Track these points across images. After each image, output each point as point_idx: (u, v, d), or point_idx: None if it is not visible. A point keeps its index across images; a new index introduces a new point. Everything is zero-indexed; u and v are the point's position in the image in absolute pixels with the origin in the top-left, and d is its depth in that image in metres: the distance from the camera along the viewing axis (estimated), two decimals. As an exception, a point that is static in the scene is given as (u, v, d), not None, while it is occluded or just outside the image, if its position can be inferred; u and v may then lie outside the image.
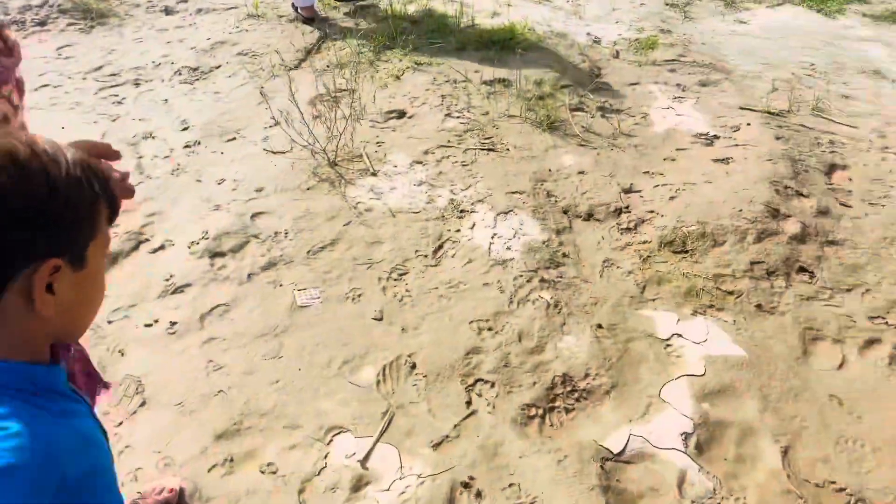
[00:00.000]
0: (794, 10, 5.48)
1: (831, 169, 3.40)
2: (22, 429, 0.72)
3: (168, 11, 5.16)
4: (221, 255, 2.74)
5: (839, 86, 4.22)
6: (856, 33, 5.06)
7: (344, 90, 3.86)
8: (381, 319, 2.49)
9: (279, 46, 4.40)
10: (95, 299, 0.88)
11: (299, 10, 4.74)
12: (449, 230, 2.89)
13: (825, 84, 4.20)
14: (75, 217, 0.79)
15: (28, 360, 0.80)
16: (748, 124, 3.69)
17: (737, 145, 3.51)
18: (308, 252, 2.77)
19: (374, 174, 3.21)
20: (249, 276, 2.66)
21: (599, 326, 2.47)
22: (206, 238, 2.79)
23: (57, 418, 0.79)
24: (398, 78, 4.02)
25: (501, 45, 4.36)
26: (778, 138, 3.54)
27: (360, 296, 2.58)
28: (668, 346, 2.41)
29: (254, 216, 2.95)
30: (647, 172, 3.32)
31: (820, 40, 4.89)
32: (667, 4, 5.44)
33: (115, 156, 1.06)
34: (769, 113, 3.82)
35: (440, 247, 2.81)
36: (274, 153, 3.37)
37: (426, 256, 2.76)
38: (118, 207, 0.89)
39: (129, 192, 1.08)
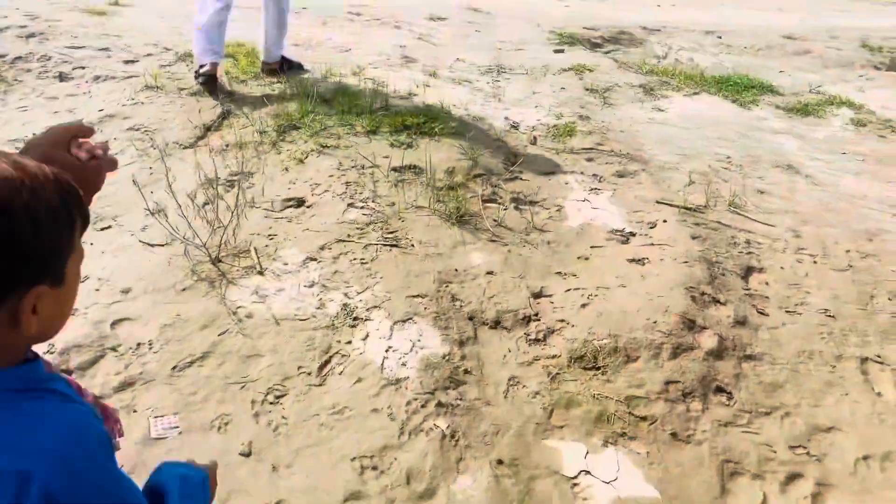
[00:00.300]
0: (711, 99, 5.53)
1: (748, 272, 3.27)
2: (46, 417, 0.83)
3: (62, 77, 4.80)
4: (68, 372, 2.35)
5: (755, 180, 4.18)
6: (769, 125, 5.11)
7: (241, 173, 3.57)
8: (248, 455, 2.14)
9: (176, 122, 4.10)
10: (71, 305, 0.93)
11: (199, 71, 4.42)
12: (339, 341, 2.59)
13: (741, 178, 4.16)
14: (56, 244, 0.83)
15: (9, 364, 0.84)
16: (664, 221, 3.56)
17: (653, 244, 3.36)
18: (173, 368, 2.41)
19: (261, 273, 2.89)
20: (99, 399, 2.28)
21: (500, 462, 2.19)
22: (52, 352, 2.41)
23: (63, 402, 0.87)
24: (301, 161, 3.75)
25: (415, 129, 4.17)
26: (694, 237, 3.41)
27: (227, 424, 2.23)
28: (576, 485, 2.15)
29: (115, 323, 2.58)
30: (560, 273, 3.12)
31: (735, 131, 4.91)
32: (586, 90, 5.41)
33: (91, 132, 1.08)
34: (686, 208, 3.71)
35: (327, 362, 2.50)
36: (151, 246, 3.03)
37: (310, 374, 2.44)
38: (89, 219, 0.93)
39: (113, 165, 1.09)
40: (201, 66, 4.41)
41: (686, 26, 8.13)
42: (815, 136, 4.97)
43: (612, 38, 7.35)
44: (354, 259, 3.02)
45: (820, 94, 5.87)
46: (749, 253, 3.41)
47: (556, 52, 6.40)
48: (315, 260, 3.00)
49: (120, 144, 3.86)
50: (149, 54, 5.22)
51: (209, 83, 4.44)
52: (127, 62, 5.08)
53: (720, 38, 7.83)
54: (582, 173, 4.05)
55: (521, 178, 3.91)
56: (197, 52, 4.43)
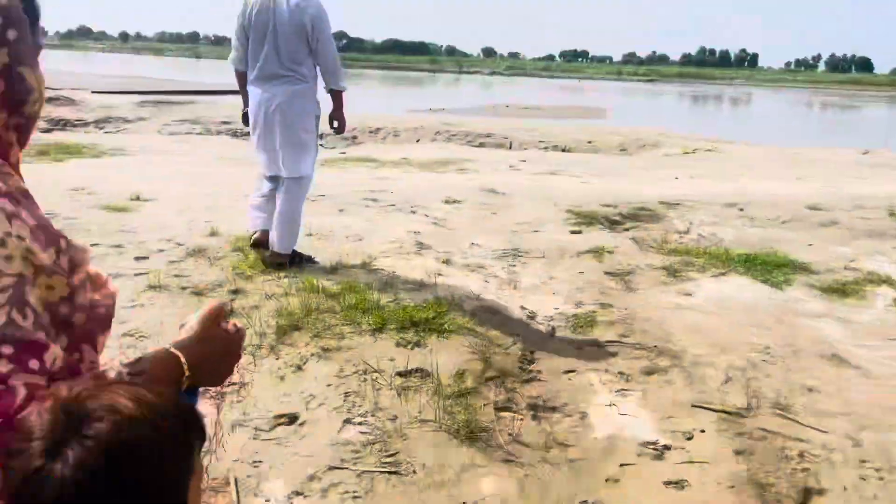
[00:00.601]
0: (740, 280, 5.25)
1: (807, 496, 2.81)
2: None
3: (69, 277, 4.72)
4: None
5: (799, 374, 3.78)
6: (807, 308, 4.78)
7: (233, 384, 3.30)
8: None
9: (173, 325, 3.90)
10: None
11: (250, 236, 4.99)
12: None
13: (784, 373, 3.77)
14: (180, 474, 0.81)
15: None
16: (702, 431, 3.15)
17: (692, 462, 2.94)
18: None
19: (238, 513, 2.52)
20: None
21: None
22: None
23: None
24: (300, 368, 3.48)
25: (424, 325, 3.92)
26: (739, 452, 2.98)
27: None
28: None
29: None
30: (585, 503, 2.69)
31: (770, 316, 4.57)
32: (606, 273, 5.19)
33: (227, 311, 1.17)
34: (725, 412, 3.31)
35: None
36: (120, 479, 2.69)
37: None
38: (206, 436, 0.91)
39: (244, 334, 1.21)
40: (253, 233, 4.94)
41: (705, 199, 8.05)
42: (859, 320, 4.60)
43: (630, 215, 7.26)
44: (346, 492, 2.64)
45: (856, 271, 5.56)
46: (804, 469, 2.95)
47: (573, 232, 6.28)
48: (301, 494, 2.63)
49: (110, 353, 3.63)
50: (160, 250, 5.17)
51: (257, 247, 4.90)
52: (138, 258, 5.02)
53: (742, 210, 7.71)
54: (606, 371, 3.70)
55: (538, 379, 3.58)
56: (250, 219, 5.03)
